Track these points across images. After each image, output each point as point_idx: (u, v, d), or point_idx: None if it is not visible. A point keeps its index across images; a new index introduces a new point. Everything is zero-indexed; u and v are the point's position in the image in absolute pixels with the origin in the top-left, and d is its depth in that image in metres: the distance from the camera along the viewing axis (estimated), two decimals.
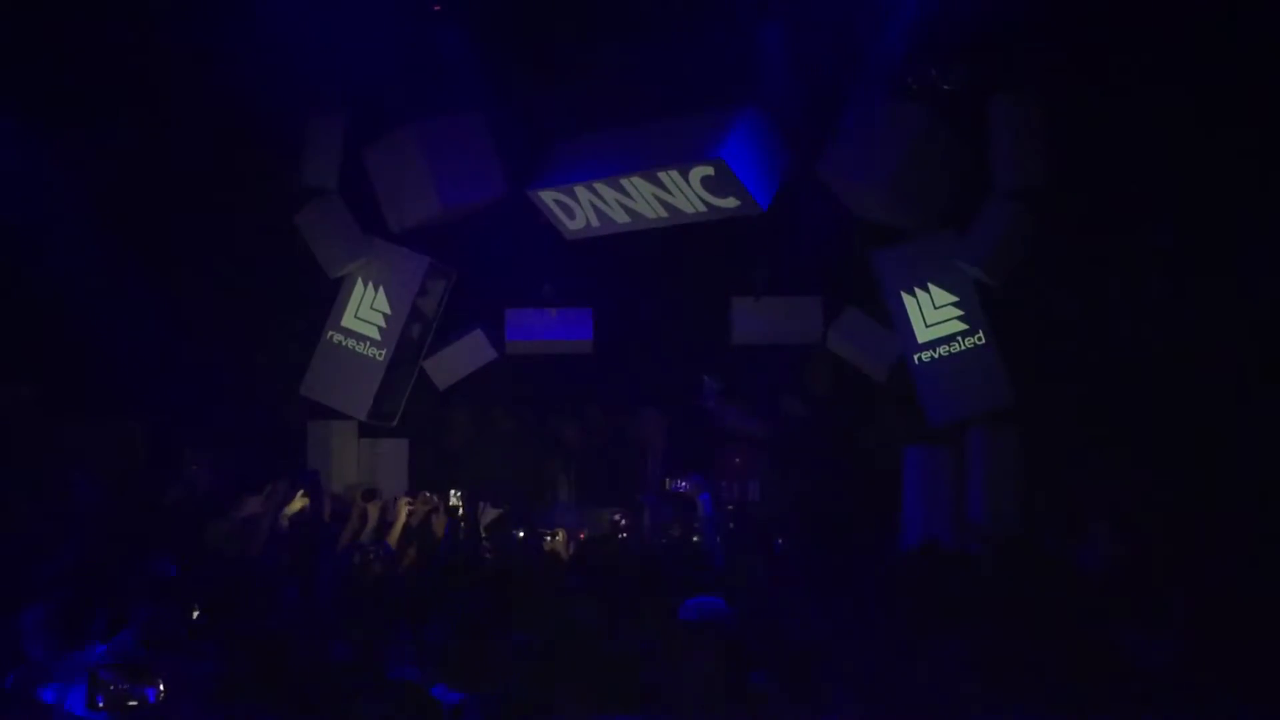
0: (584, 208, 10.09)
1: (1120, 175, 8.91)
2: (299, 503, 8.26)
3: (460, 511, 8.77)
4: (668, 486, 9.37)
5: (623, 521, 9.33)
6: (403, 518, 8.62)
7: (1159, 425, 8.73)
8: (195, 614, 6.29)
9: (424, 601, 6.18)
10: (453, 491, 8.90)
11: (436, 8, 9.92)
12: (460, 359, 10.81)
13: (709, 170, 9.37)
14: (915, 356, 9.80)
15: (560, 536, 8.34)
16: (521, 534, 8.54)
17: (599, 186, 9.89)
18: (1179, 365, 8.75)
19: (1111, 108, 8.80)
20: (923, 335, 9.76)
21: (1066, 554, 7.57)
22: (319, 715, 4.92)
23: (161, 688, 4.83)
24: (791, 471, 10.25)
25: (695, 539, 8.60)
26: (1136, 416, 8.82)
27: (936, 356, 9.72)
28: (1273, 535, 7.53)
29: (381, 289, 10.48)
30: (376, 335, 10.50)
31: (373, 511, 8.69)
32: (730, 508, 9.70)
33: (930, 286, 9.72)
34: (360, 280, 10.53)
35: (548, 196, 10.17)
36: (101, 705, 4.68)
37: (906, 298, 9.82)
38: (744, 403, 10.51)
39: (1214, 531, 7.78)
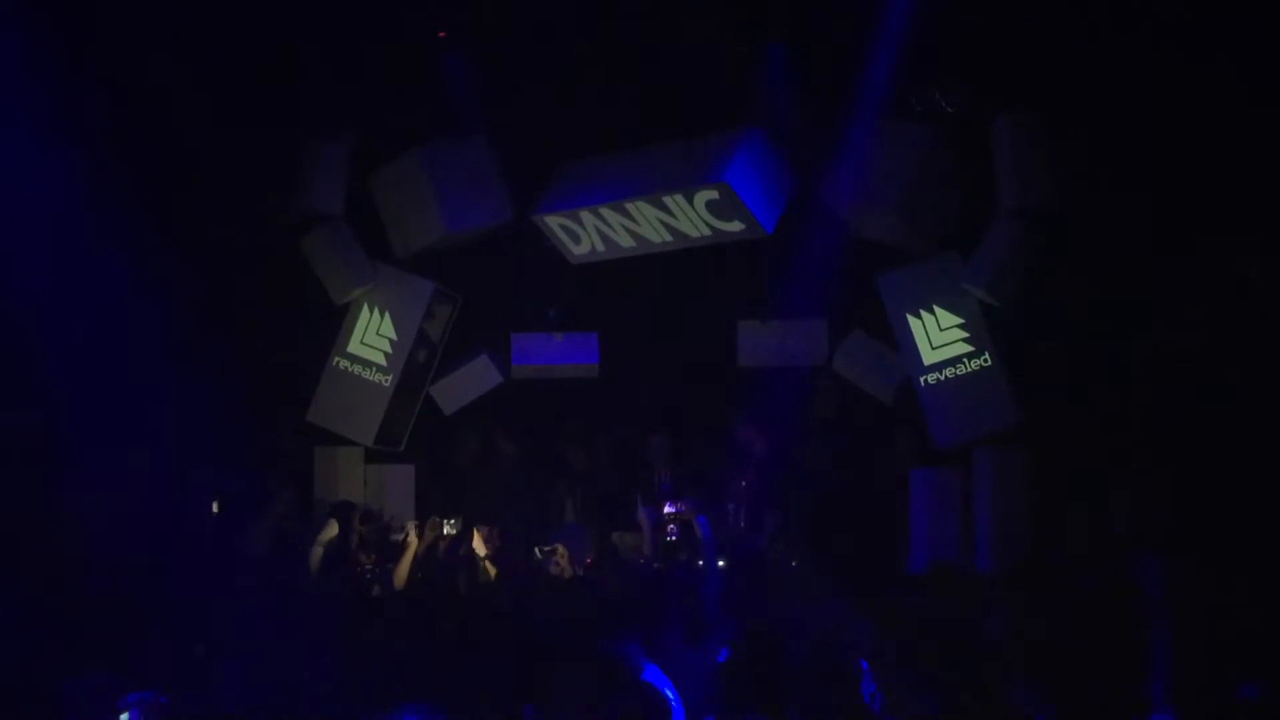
0: (589, 232, 10.09)
1: (1125, 194, 8.91)
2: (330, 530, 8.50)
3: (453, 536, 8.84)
4: (665, 510, 9.39)
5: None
6: (413, 544, 8.69)
7: (1167, 445, 8.69)
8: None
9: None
10: (447, 520, 8.94)
11: (441, 34, 9.97)
12: (466, 384, 10.78)
13: (713, 194, 9.38)
14: (921, 378, 9.78)
15: (561, 550, 8.38)
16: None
17: (603, 211, 9.89)
18: (1187, 385, 8.71)
19: (1116, 127, 8.80)
20: (929, 357, 9.75)
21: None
22: None
23: None
24: (798, 494, 10.19)
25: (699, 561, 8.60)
26: (1144, 437, 8.78)
27: (943, 378, 9.70)
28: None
29: (387, 314, 10.49)
30: (382, 361, 10.50)
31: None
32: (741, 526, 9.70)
33: (936, 308, 9.71)
34: (366, 306, 10.54)
35: (553, 221, 10.17)
36: None
37: (912, 320, 9.81)
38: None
39: (1223, 551, 7.74)
